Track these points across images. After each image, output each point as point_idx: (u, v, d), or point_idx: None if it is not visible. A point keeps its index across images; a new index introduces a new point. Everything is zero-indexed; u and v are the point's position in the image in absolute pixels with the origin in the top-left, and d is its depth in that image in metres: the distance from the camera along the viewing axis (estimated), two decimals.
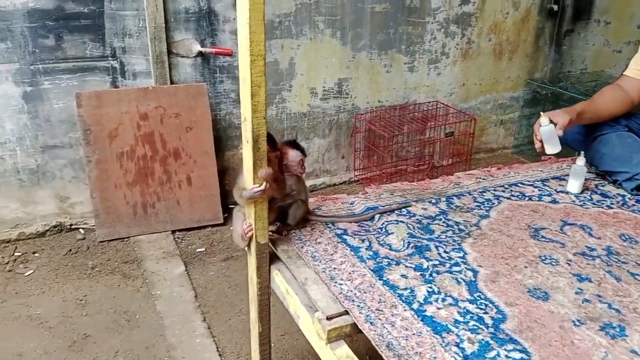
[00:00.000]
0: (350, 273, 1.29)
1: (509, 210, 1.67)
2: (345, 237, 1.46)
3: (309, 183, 3.07)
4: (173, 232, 2.49)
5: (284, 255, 1.35)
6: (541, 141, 1.77)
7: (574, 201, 1.78)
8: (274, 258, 1.39)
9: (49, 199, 2.41)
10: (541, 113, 1.82)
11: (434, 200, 1.70)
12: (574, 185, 1.85)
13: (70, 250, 2.29)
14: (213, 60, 2.60)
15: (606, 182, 1.93)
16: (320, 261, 1.34)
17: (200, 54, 2.55)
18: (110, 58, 2.38)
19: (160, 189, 2.48)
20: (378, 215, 1.56)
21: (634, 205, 1.76)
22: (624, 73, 2.04)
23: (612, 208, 1.73)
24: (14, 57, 2.20)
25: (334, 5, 2.68)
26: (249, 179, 1.27)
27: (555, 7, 3.12)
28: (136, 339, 1.82)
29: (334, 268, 1.32)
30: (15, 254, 2.25)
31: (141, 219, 2.45)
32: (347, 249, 1.40)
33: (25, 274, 2.13)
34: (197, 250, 2.36)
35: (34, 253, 2.27)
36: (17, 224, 2.37)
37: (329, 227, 1.49)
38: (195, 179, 2.54)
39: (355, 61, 2.95)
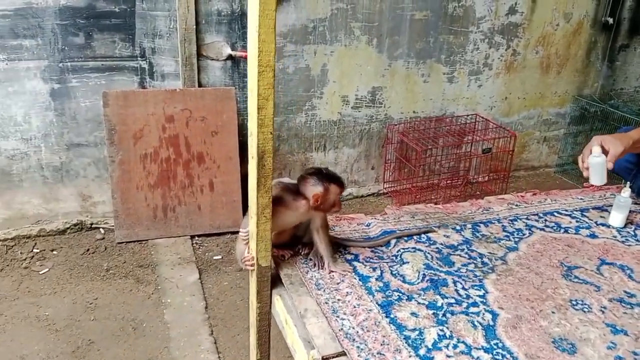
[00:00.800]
0: (355, 307, 1.19)
1: (540, 243, 1.52)
2: (355, 263, 1.36)
3: None
4: (192, 237, 2.45)
5: (287, 281, 1.27)
6: (587, 168, 1.61)
7: (615, 236, 1.61)
8: (277, 281, 1.31)
9: (71, 196, 2.40)
10: (594, 139, 1.62)
11: (458, 227, 1.57)
12: (616, 218, 1.69)
13: (88, 249, 2.28)
14: (243, 64, 2.54)
15: None
16: (324, 290, 1.24)
17: (230, 57, 2.50)
18: (139, 58, 2.35)
19: (182, 193, 2.44)
20: (394, 240, 1.45)
21: None
22: None
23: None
24: (43, 54, 2.20)
25: (372, 11, 2.57)
26: (252, 219, 1.18)
27: (611, 20, 2.91)
28: (140, 349, 1.77)
29: (338, 299, 1.22)
30: (34, 250, 2.26)
31: (161, 222, 2.41)
32: (355, 278, 1.30)
33: (41, 272, 2.12)
34: (214, 257, 2.31)
35: (52, 251, 2.27)
36: (39, 220, 2.37)
37: (340, 251, 1.40)
38: (217, 184, 2.49)
39: (391, 70, 2.83)
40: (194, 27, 2.35)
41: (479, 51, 2.93)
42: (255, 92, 1.09)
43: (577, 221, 1.64)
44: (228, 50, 2.47)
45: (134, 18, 2.29)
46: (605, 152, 1.58)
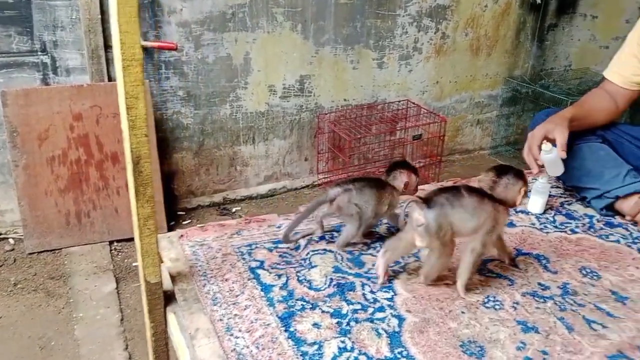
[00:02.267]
0: (252, 322, 1.10)
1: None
2: (259, 271, 1.26)
3: (267, 187, 2.88)
4: (110, 243, 2.31)
5: (180, 297, 1.16)
6: (541, 165, 1.56)
7: (533, 224, 1.58)
8: (173, 298, 1.20)
9: None
10: (537, 132, 1.56)
11: (378, 222, 1.50)
12: (536, 204, 1.65)
13: None
14: (157, 55, 2.39)
15: (574, 200, 1.73)
16: (221, 305, 1.14)
17: (142, 48, 2.32)
18: (39, 53, 2.17)
19: (96, 196, 2.28)
20: (304, 243, 1.37)
21: (601, 229, 1.56)
22: (605, 76, 1.83)
23: (576, 233, 1.53)
24: None
25: None
26: (135, 232, 1.07)
27: (539, 0, 2.89)
28: None
29: (235, 315, 1.12)
30: None
31: (75, 229, 2.26)
32: (257, 288, 1.20)
33: None
34: (134, 264, 2.18)
35: None
36: None
37: (244, 258, 1.30)
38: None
39: (318, 57, 2.73)
40: (99, 16, 2.18)
41: (408, 35, 2.86)
42: (122, 90, 0.97)
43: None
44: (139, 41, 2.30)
45: (31, 9, 2.10)
46: (550, 141, 1.54)
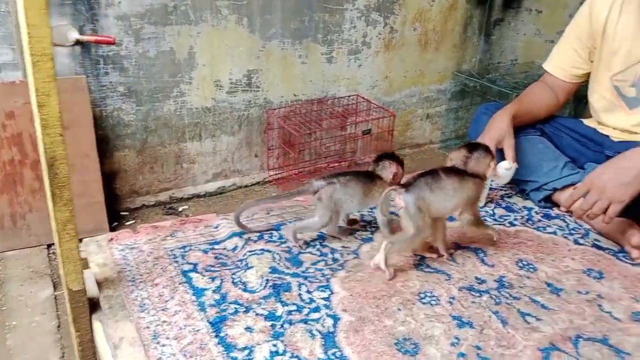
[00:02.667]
0: (181, 328, 1.06)
1: (397, 230, 1.47)
2: (192, 274, 1.22)
3: (216, 184, 2.82)
4: (49, 246, 2.21)
5: (106, 304, 1.11)
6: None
7: None
8: (99, 305, 1.15)
9: None
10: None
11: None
12: None
13: None
14: (95, 50, 2.29)
15: (514, 192, 1.76)
16: (149, 312, 1.10)
17: (78, 42, 2.23)
18: None
19: (32, 198, 2.18)
20: (241, 244, 1.33)
21: (539, 221, 1.59)
22: (545, 69, 1.86)
23: (514, 225, 1.55)
24: None
25: None
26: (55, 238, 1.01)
27: None
28: None
29: (164, 321, 1.08)
30: None
31: (10, 233, 2.15)
32: (188, 293, 1.16)
33: None
34: None
35: None
36: None
37: (177, 261, 1.25)
38: (75, 185, 2.23)
39: (265, 51, 2.68)
40: None
41: (356, 30, 2.85)
42: (33, 88, 0.91)
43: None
44: (75, 35, 2.21)
45: None
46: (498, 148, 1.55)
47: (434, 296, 1.22)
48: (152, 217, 2.60)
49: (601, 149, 1.73)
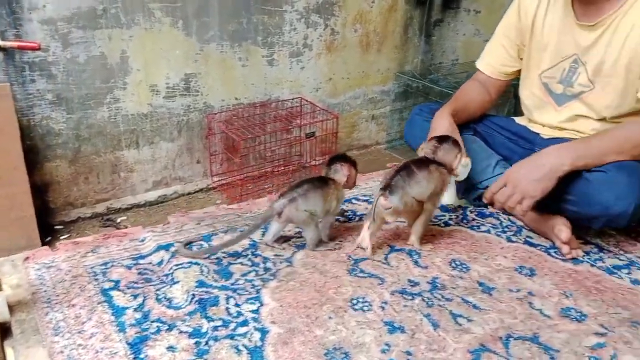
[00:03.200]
0: (97, 352, 1.00)
1: (333, 236, 1.44)
2: (113, 293, 1.16)
3: (157, 193, 2.73)
4: None
5: (17, 329, 1.04)
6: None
7: None
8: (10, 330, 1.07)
9: None
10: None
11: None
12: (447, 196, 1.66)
13: None
14: (20, 56, 2.17)
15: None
16: (63, 335, 1.04)
17: (1, 48, 2.11)
18: None
19: None
20: (168, 257, 1.28)
21: (473, 220, 1.59)
22: (477, 66, 1.88)
23: (449, 225, 1.55)
24: None
25: None
26: None
27: None
28: None
29: (79, 345, 1.02)
30: None
31: None
32: (107, 313, 1.10)
33: None
34: None
35: None
36: None
37: (97, 279, 1.19)
38: (2, 199, 2.12)
39: (203, 54, 2.61)
40: None
41: (297, 32, 2.82)
42: None
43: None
44: None
45: None
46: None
47: (366, 302, 1.20)
48: (88, 230, 2.49)
49: (532, 146, 1.76)
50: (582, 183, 1.48)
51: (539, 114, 1.78)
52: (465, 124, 1.80)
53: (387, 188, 1.35)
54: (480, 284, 1.32)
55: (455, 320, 1.18)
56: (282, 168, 3.03)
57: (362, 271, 1.31)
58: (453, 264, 1.38)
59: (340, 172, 1.46)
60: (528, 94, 1.80)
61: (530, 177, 1.41)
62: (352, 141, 3.30)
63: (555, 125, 1.73)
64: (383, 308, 1.19)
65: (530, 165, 1.43)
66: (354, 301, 1.20)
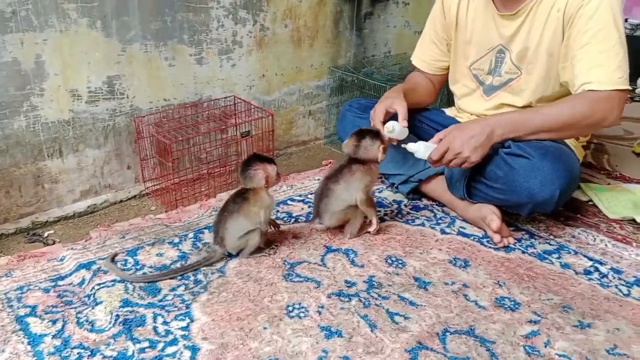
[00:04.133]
0: None
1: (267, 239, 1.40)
2: (29, 319, 1.08)
3: (86, 203, 2.60)
4: None
5: None
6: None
7: None
8: None
9: None
10: (379, 110, 1.59)
11: (177, 240, 1.37)
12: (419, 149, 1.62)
13: None
14: None
15: (385, 187, 1.76)
16: None
17: None
18: None
19: None
20: (89, 276, 1.20)
21: (408, 214, 1.59)
22: (413, 64, 1.89)
23: (384, 220, 1.54)
24: None
25: None
26: None
27: None
28: None
29: None
30: None
31: None
32: (23, 342, 1.02)
33: None
34: None
35: None
36: None
37: (12, 305, 1.10)
38: None
39: (127, 55, 2.49)
40: None
41: (225, 28, 2.74)
42: None
43: (309, 206, 1.56)
44: None
45: None
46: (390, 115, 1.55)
47: (302, 308, 1.17)
48: (13, 247, 2.34)
49: None
50: (507, 171, 1.51)
51: (468, 103, 1.80)
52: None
53: (316, 217, 1.40)
54: (416, 279, 1.31)
55: (392, 319, 1.17)
56: (219, 169, 2.95)
57: (298, 275, 1.27)
58: (389, 261, 1.37)
59: (256, 178, 1.38)
60: (460, 86, 1.83)
61: (471, 144, 1.45)
62: (290, 138, 3.26)
63: (481, 113, 1.76)
64: (320, 313, 1.16)
65: (469, 132, 1.47)
66: (290, 308, 1.17)
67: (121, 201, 2.71)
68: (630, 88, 1.55)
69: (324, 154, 3.29)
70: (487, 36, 1.70)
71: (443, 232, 1.53)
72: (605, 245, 1.56)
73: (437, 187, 1.70)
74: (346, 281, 1.27)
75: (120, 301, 1.13)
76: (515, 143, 1.54)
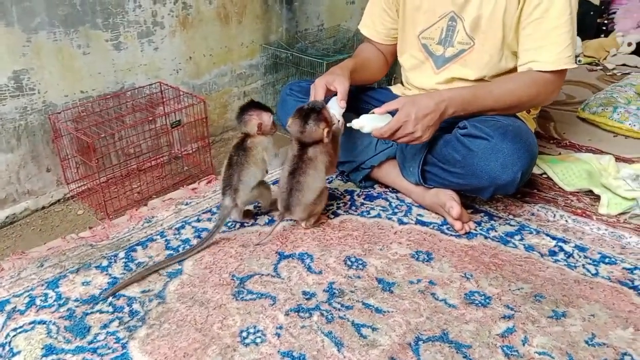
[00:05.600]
0: None
1: (211, 252, 1.24)
2: None
3: (4, 213, 2.32)
4: None
5: None
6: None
7: None
8: None
9: None
10: (318, 87, 1.49)
11: (106, 263, 1.18)
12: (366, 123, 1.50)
13: None
14: None
15: (334, 176, 1.63)
16: None
17: None
18: None
19: None
20: (2, 320, 1.01)
21: (362, 205, 1.48)
22: (363, 33, 1.75)
23: (338, 215, 1.42)
24: None
25: None
26: None
27: None
28: None
29: None
30: None
31: None
32: None
33: None
34: None
35: None
36: None
37: None
38: None
39: (33, 46, 2.21)
40: None
41: (143, 9, 2.48)
42: None
43: (255, 207, 1.41)
44: None
45: None
46: (331, 92, 1.41)
47: (258, 331, 1.04)
48: None
49: None
50: (465, 154, 1.41)
51: (416, 77, 1.69)
52: (356, 97, 1.66)
53: (285, 212, 1.34)
54: (380, 281, 1.20)
55: (359, 332, 1.05)
56: (151, 163, 2.73)
57: (250, 292, 1.13)
58: (348, 262, 1.25)
59: (250, 124, 1.39)
60: (407, 56, 1.70)
61: (425, 123, 1.37)
62: (226, 122, 3.07)
63: (432, 88, 1.65)
64: (279, 335, 1.03)
65: (424, 109, 1.37)
66: (244, 334, 1.03)
67: (44, 207, 2.45)
68: (577, 65, 1.52)
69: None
70: (439, 1, 1.58)
71: (401, 222, 1.42)
72: (566, 220, 1.51)
73: (390, 173, 1.59)
74: (304, 292, 1.14)
75: (43, 348, 0.96)
76: (471, 123, 1.44)
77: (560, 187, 1.70)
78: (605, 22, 3.34)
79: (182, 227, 1.31)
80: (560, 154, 1.94)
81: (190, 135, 2.81)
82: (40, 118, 2.34)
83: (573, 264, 1.32)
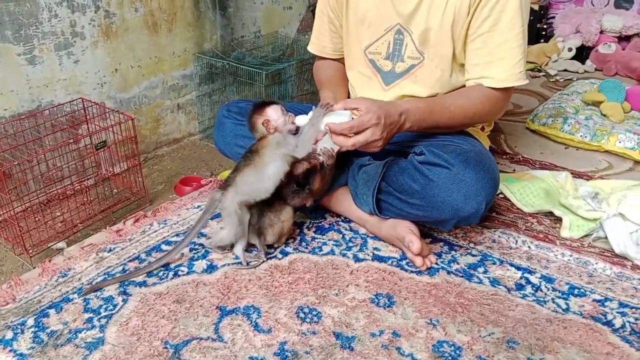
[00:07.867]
0: None
1: (139, 312, 1.05)
2: None
3: None
4: None
5: None
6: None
7: (237, 257, 1.25)
8: None
9: None
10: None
11: (10, 334, 0.97)
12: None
13: None
14: None
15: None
16: None
17: None
18: None
19: None
20: None
21: (313, 239, 1.34)
22: (315, 53, 1.62)
23: (287, 254, 1.27)
24: None
25: None
26: None
27: None
28: None
29: None
30: None
31: None
32: None
33: None
34: None
35: None
36: None
37: None
38: None
39: None
40: None
41: (60, 18, 2.24)
42: None
43: (192, 250, 1.22)
44: None
45: None
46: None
47: None
48: None
49: None
50: (425, 184, 1.29)
51: (365, 94, 1.57)
52: None
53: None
54: (338, 336, 1.06)
55: None
56: (75, 187, 2.47)
57: None
58: (301, 314, 1.10)
59: (257, 127, 1.32)
60: (355, 73, 1.58)
61: (390, 133, 1.27)
62: (159, 137, 2.85)
63: None
64: None
65: (389, 117, 1.26)
66: None
67: None
68: (527, 82, 1.45)
69: (200, 152, 2.92)
70: (383, 15, 1.46)
71: (357, 258, 1.29)
72: (529, 247, 1.43)
73: (343, 201, 1.46)
74: (252, 359, 0.98)
75: None
76: (428, 148, 1.32)
77: (518, 209, 1.62)
78: (545, 27, 3.36)
79: (104, 280, 1.11)
80: (514, 170, 1.87)
81: (119, 153, 2.57)
82: None
83: (542, 299, 1.23)
